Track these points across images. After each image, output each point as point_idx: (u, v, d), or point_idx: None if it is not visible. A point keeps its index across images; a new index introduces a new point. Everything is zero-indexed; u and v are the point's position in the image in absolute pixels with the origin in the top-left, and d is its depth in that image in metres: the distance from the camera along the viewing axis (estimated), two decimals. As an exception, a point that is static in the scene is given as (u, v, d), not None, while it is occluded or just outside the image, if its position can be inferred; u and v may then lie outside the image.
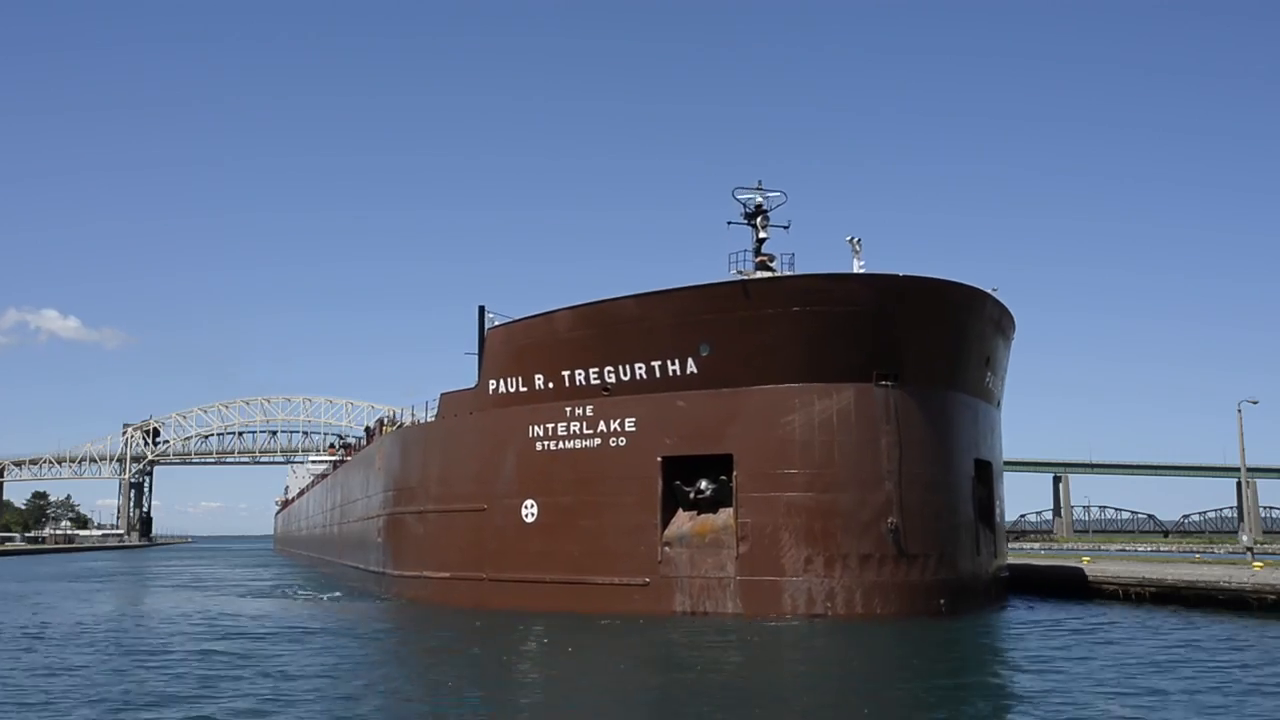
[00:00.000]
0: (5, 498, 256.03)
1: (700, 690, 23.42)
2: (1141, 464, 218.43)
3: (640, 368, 38.90)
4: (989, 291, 39.38)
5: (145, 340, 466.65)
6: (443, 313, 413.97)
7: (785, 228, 42.40)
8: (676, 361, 38.18)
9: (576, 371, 40.48)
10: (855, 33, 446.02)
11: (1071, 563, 53.99)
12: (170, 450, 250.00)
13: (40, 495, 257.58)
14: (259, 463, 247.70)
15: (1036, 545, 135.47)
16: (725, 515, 37.47)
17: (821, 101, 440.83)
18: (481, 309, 46.28)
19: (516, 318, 44.07)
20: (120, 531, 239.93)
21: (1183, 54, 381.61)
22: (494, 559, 42.69)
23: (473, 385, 45.69)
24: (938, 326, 37.80)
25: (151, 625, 38.74)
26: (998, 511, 44.43)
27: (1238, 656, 27.69)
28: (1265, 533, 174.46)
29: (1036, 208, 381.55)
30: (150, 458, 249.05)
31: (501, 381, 43.31)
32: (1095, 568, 49.07)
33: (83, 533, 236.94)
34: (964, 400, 40.23)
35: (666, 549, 37.98)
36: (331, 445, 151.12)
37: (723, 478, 37.68)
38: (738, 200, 42.37)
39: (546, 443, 41.28)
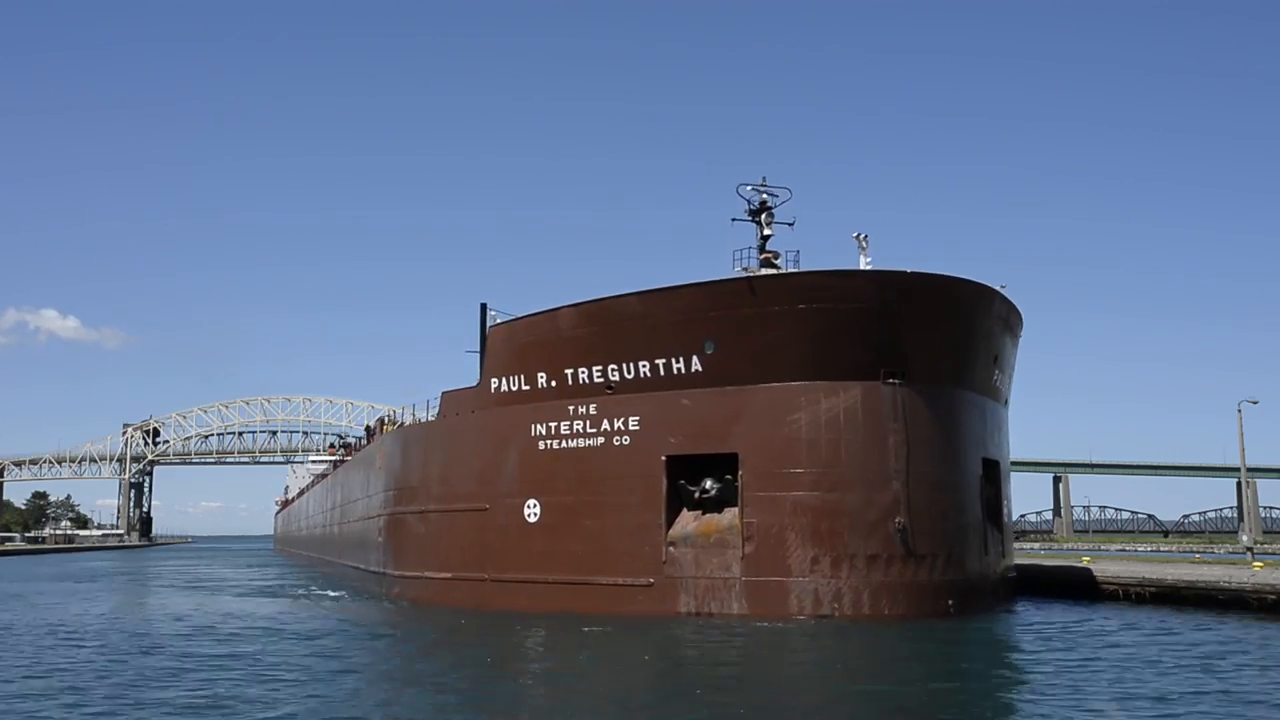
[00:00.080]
0: (5, 498, 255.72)
1: (705, 691, 23.04)
2: (1141, 464, 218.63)
3: (644, 366, 38.45)
4: (997, 288, 38.94)
5: (145, 340, 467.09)
6: (443, 312, 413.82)
7: (790, 224, 42.01)
8: (681, 359, 37.72)
9: (580, 369, 40.03)
10: (855, 33, 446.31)
11: (1072, 563, 53.60)
12: (170, 450, 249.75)
13: (40, 495, 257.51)
14: (259, 463, 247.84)
15: (1036, 545, 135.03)
16: (730, 515, 37.03)
17: (822, 101, 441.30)
18: (483, 306, 45.81)
19: (519, 315, 43.62)
20: (120, 531, 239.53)
21: (1183, 54, 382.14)
22: (496, 559, 42.27)
23: (474, 384, 45.27)
24: (945, 324, 37.33)
25: (151, 626, 38.39)
26: (1005, 511, 44.00)
27: (1244, 659, 27.31)
28: (1265, 533, 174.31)
29: (1036, 207, 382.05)
30: (150, 458, 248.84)
31: (504, 380, 42.87)
32: (1096, 568, 48.64)
33: (83, 533, 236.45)
34: (972, 398, 39.76)
35: (671, 549, 37.55)
36: (331, 445, 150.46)
37: (728, 477, 37.21)
38: (741, 196, 41.95)
39: (549, 442, 40.85)
